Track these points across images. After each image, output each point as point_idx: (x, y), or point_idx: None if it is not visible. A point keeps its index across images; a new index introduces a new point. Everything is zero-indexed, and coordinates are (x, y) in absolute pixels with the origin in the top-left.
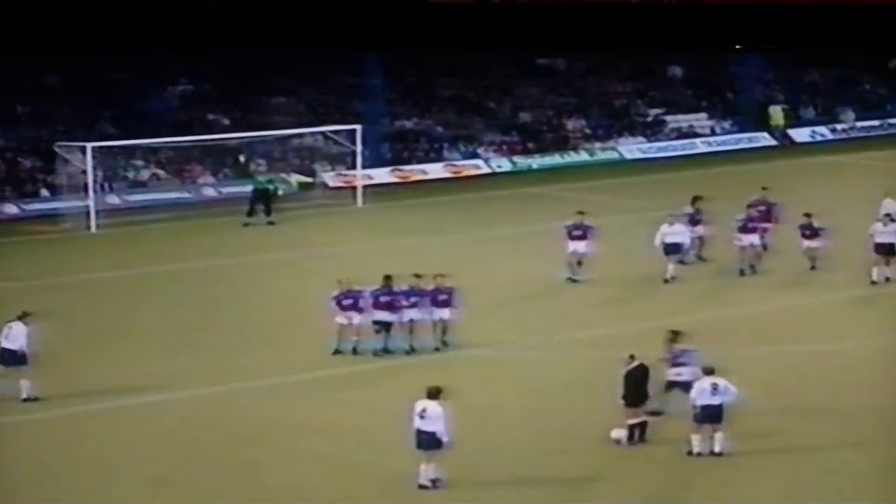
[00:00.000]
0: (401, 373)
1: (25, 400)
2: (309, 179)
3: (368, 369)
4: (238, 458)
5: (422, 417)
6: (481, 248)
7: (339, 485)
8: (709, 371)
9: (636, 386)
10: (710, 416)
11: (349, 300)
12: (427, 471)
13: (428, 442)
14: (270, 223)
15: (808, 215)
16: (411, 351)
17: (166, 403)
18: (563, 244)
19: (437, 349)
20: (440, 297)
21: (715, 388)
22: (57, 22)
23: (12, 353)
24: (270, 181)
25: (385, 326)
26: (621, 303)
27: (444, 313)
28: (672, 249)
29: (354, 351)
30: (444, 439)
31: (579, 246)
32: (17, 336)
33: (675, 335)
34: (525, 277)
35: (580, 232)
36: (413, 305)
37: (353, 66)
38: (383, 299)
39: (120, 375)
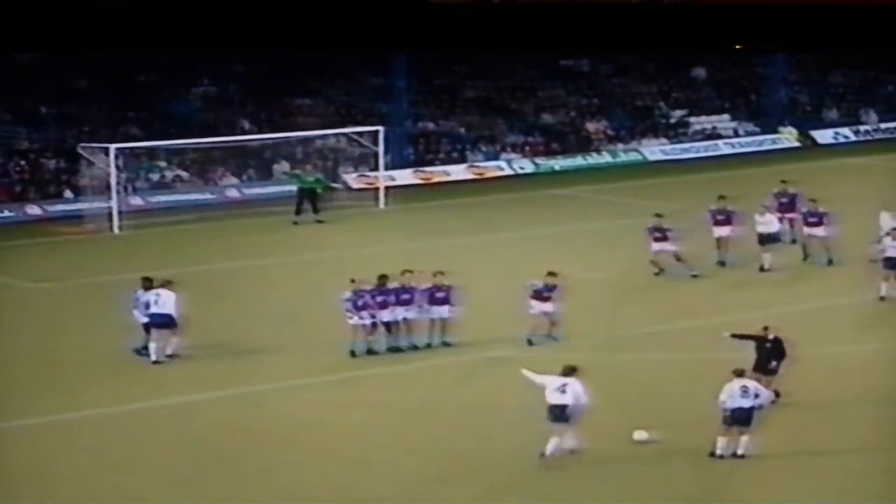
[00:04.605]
0: (416, 372)
1: (170, 356)
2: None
3: (382, 369)
4: (260, 459)
5: (562, 392)
6: (504, 249)
7: (362, 484)
8: (738, 373)
9: (768, 357)
10: (739, 419)
11: (361, 300)
12: (560, 442)
13: (560, 415)
14: (319, 221)
15: (813, 200)
16: (418, 348)
17: (187, 405)
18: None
19: (429, 345)
20: (438, 295)
21: (745, 390)
22: (79, 23)
23: (163, 316)
24: (318, 180)
25: (387, 326)
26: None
27: (443, 311)
28: (768, 239)
29: (369, 351)
30: (577, 413)
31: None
32: (165, 301)
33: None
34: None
35: (661, 234)
36: (406, 303)
37: (377, 67)
38: (379, 298)
39: (139, 379)
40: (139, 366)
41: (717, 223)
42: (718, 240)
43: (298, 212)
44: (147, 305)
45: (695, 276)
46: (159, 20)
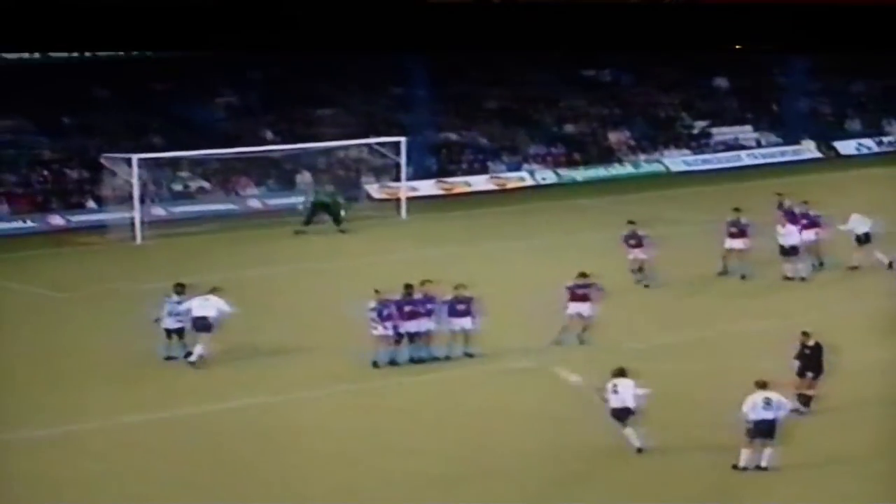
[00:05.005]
0: (438, 383)
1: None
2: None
3: (404, 380)
4: (280, 468)
5: (615, 392)
6: (526, 259)
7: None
8: (761, 384)
9: (809, 361)
10: (763, 431)
11: (385, 311)
12: (630, 437)
13: (622, 413)
14: (342, 231)
15: (805, 202)
16: (438, 359)
17: (208, 413)
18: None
19: (450, 357)
20: (459, 307)
21: (767, 402)
22: (99, 29)
23: (204, 319)
24: (334, 196)
25: (410, 336)
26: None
27: (465, 322)
28: (790, 251)
29: (392, 362)
30: (634, 406)
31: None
32: (212, 306)
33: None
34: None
35: (636, 241)
36: (428, 314)
37: (398, 77)
38: (406, 309)
39: (160, 388)
40: (163, 372)
41: (732, 235)
42: (730, 251)
43: (308, 223)
44: (190, 311)
45: (646, 286)
46: (180, 27)
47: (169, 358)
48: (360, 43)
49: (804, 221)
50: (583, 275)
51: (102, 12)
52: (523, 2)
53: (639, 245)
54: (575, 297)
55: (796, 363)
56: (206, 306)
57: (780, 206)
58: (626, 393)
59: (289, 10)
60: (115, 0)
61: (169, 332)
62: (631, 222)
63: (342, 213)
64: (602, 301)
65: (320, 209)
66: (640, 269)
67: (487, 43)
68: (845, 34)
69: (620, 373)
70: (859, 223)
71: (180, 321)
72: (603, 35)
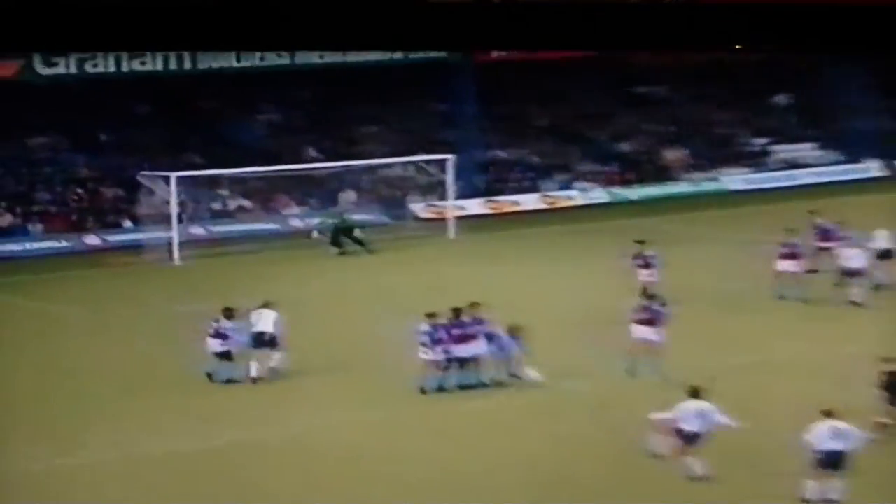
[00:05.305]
0: (488, 409)
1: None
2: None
3: (453, 406)
4: (323, 494)
5: (686, 415)
6: (577, 281)
7: None
8: (827, 413)
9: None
10: (831, 462)
11: (436, 334)
12: (694, 465)
13: (690, 438)
14: (370, 251)
15: (840, 222)
16: (487, 386)
17: (251, 440)
18: None
19: (499, 382)
20: (507, 331)
21: (836, 432)
22: (139, 38)
23: (262, 335)
24: (342, 218)
25: (460, 361)
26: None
27: (513, 346)
28: (854, 273)
29: (440, 388)
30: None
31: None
32: (267, 320)
33: None
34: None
35: (643, 262)
36: (477, 337)
37: (445, 93)
38: (455, 332)
39: (203, 415)
40: (200, 396)
41: (783, 256)
42: (781, 273)
43: (336, 244)
44: (247, 328)
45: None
46: (219, 42)
47: (230, 381)
48: (360, 43)
49: (834, 241)
50: (647, 295)
51: (110, 12)
52: (523, 2)
53: (646, 266)
54: (640, 321)
55: (883, 393)
56: (265, 321)
57: (816, 225)
58: (699, 417)
59: (284, 10)
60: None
61: (218, 355)
62: (639, 241)
63: (358, 234)
64: (668, 324)
65: (340, 233)
66: (646, 292)
67: (488, 43)
68: (846, 34)
69: (694, 394)
70: (883, 239)
71: (226, 345)
72: (603, 35)
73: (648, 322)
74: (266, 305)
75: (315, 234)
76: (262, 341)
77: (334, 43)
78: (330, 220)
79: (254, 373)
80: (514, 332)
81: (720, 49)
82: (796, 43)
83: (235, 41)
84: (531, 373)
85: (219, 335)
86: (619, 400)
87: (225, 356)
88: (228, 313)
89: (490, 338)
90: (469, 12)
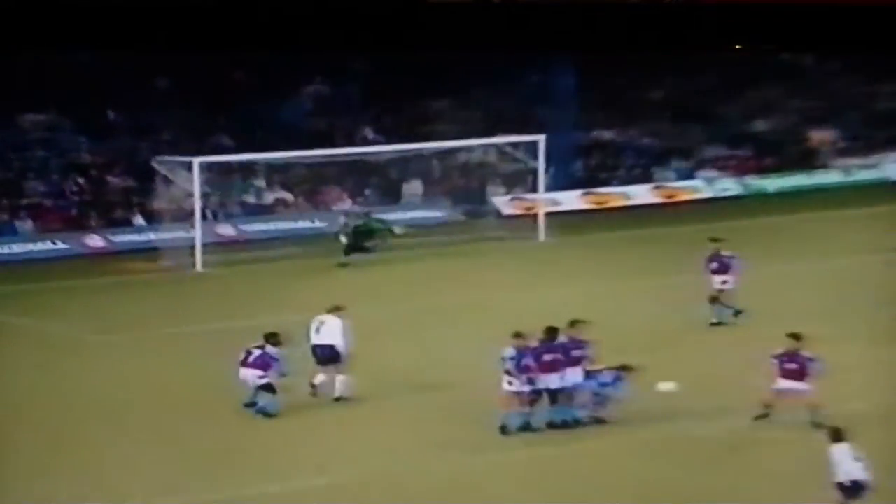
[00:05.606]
0: (584, 455)
1: (338, 399)
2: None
3: (540, 451)
4: None
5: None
6: (701, 294)
7: None
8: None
9: None
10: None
11: (523, 360)
12: None
13: (850, 490)
14: (343, 265)
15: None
16: (582, 424)
17: (291, 492)
18: None
19: (602, 420)
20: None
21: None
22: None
23: (326, 348)
24: (368, 222)
25: (551, 394)
26: None
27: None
28: None
29: (526, 427)
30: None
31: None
32: (330, 331)
33: None
34: (758, 334)
35: (719, 265)
36: (577, 363)
37: (537, 62)
38: (547, 358)
39: (233, 459)
40: (233, 434)
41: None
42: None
43: (348, 252)
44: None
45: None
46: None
47: (264, 413)
48: (359, 43)
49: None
50: (795, 336)
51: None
52: (523, 2)
53: (723, 271)
54: (786, 373)
55: None
56: (328, 331)
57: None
58: (856, 462)
59: (288, 8)
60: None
61: (259, 388)
62: (714, 240)
63: (380, 235)
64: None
65: (362, 237)
66: (717, 300)
67: (488, 43)
68: (847, 34)
69: (837, 437)
70: None
71: (265, 377)
72: (603, 35)
73: (796, 375)
74: (335, 311)
75: (343, 238)
76: (324, 356)
77: (334, 43)
78: (352, 222)
79: (317, 381)
80: (622, 370)
81: (720, 49)
82: (796, 43)
83: (233, 41)
84: (665, 386)
85: (257, 364)
86: (749, 447)
87: (267, 389)
88: (273, 340)
89: (579, 361)
90: (469, 12)
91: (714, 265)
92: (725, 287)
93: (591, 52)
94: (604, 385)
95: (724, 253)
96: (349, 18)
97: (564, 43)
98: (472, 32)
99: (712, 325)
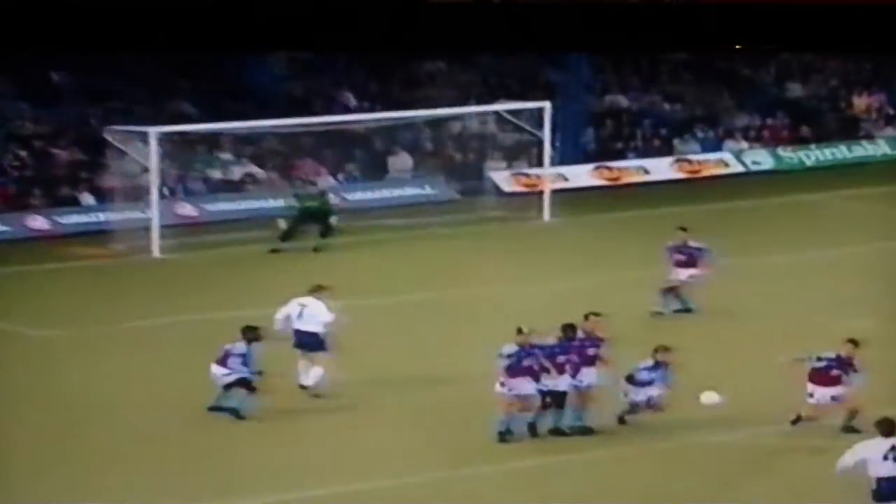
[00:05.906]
0: (597, 464)
1: (303, 387)
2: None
3: (543, 461)
4: None
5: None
6: (733, 283)
7: None
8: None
9: None
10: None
11: (527, 360)
12: None
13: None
14: (317, 250)
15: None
16: (591, 431)
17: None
18: None
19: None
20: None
21: None
22: None
23: (309, 335)
24: (322, 199)
25: (556, 398)
26: None
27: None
28: None
29: (532, 430)
30: None
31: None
32: (313, 315)
33: None
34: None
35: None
36: (592, 362)
37: (540, 18)
38: (560, 359)
39: (201, 465)
40: (203, 441)
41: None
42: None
43: (286, 237)
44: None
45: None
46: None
47: (237, 415)
48: (358, 43)
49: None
50: (853, 343)
51: None
52: (523, 2)
53: (690, 263)
54: (820, 380)
55: None
56: (309, 316)
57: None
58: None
59: (286, 9)
60: None
61: (225, 387)
62: (682, 229)
63: (333, 220)
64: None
65: (308, 219)
66: (672, 291)
67: (488, 43)
68: (847, 34)
69: (889, 430)
70: None
71: (229, 374)
72: (603, 35)
73: (832, 381)
74: (316, 291)
75: (282, 221)
76: (307, 343)
77: (334, 43)
78: (303, 204)
79: (310, 381)
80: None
81: (720, 49)
82: (796, 43)
83: (231, 41)
84: (708, 398)
85: (222, 361)
86: (782, 454)
87: (240, 385)
88: (251, 335)
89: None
90: (469, 12)
91: (679, 256)
92: (691, 281)
93: (592, 52)
94: (646, 384)
95: (692, 244)
96: None
97: (564, 43)
98: (472, 32)
99: (654, 314)
